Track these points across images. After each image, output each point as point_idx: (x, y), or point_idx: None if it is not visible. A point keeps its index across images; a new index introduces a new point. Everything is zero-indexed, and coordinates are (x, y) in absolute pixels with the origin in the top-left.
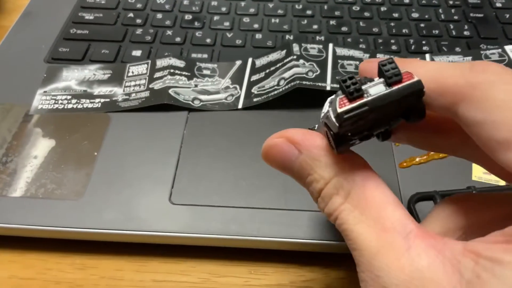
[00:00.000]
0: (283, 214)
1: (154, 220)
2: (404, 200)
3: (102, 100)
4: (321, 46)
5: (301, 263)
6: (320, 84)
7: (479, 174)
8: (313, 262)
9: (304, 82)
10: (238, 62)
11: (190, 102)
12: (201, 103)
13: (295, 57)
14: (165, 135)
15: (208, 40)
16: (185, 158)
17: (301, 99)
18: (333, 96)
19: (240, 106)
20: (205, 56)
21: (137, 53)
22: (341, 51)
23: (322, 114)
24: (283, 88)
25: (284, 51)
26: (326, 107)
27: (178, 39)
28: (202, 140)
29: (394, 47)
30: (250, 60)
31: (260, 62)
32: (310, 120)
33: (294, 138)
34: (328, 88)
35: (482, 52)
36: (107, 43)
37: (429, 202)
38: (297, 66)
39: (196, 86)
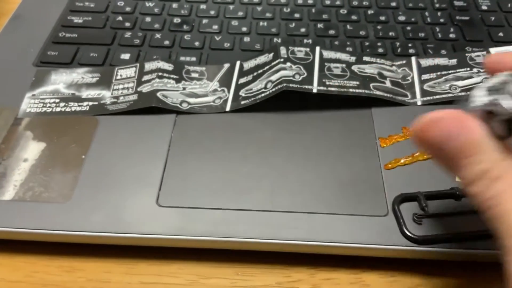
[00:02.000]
0: (270, 216)
1: (142, 223)
2: (389, 200)
3: (91, 103)
4: (308, 49)
5: (287, 264)
6: (306, 86)
7: None
8: (299, 263)
9: (291, 85)
10: (226, 65)
11: (178, 105)
12: (189, 106)
13: (282, 60)
14: (153, 137)
15: (196, 43)
16: (173, 161)
17: (288, 101)
18: (482, 85)
19: (228, 108)
20: (194, 59)
21: (125, 56)
22: (328, 54)
23: (477, 102)
24: (270, 91)
25: (272, 54)
26: (482, 95)
27: (166, 42)
28: (190, 143)
29: (380, 50)
30: (238, 63)
31: (248, 65)
32: (297, 123)
33: (459, 117)
34: (314, 90)
35: (467, 54)
36: (96, 47)
37: (413, 203)
38: (284, 69)
39: (184, 89)
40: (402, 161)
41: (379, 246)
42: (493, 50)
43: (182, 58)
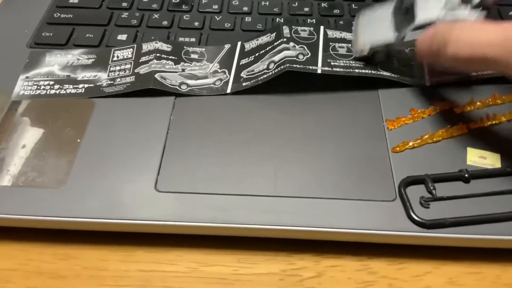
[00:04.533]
0: (273, 201)
1: (139, 208)
2: (397, 185)
3: (86, 85)
4: (312, 29)
5: (291, 251)
6: (310, 67)
7: (474, 158)
8: (304, 249)
9: (294, 65)
10: (227, 46)
11: (177, 87)
12: (189, 88)
13: (285, 39)
14: (151, 120)
15: (196, 24)
16: (172, 144)
17: (292, 83)
18: None
19: (228, 90)
20: (193, 40)
21: (122, 37)
22: (332, 34)
23: None
24: (273, 72)
25: (274, 34)
26: None
27: (165, 23)
28: (190, 126)
29: None
30: (239, 43)
31: (249, 45)
32: (301, 105)
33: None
34: (319, 71)
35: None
36: (92, 27)
37: (421, 186)
38: (287, 49)
39: (183, 70)
40: (410, 143)
41: (386, 232)
42: None
43: (181, 39)
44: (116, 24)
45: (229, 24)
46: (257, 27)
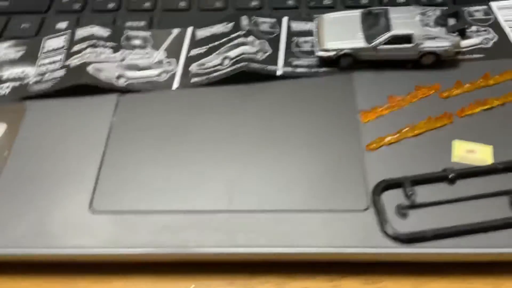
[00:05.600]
0: (227, 218)
1: (71, 234)
2: (370, 189)
3: (11, 84)
4: (274, 20)
5: (251, 274)
6: (270, 67)
7: (461, 153)
8: (265, 271)
9: (252, 65)
10: (176, 31)
11: (113, 81)
12: (128, 81)
13: (244, 32)
14: (90, 125)
15: (146, 5)
16: (112, 153)
17: (250, 74)
18: None
19: (175, 86)
20: (142, 23)
21: (62, 25)
22: (297, 26)
23: None
24: (228, 70)
25: (232, 24)
26: None
27: (111, 5)
28: (133, 130)
29: None
30: (190, 29)
31: (202, 33)
32: (262, 99)
33: None
34: (279, 72)
35: (464, 9)
36: (29, 16)
37: (398, 190)
38: (245, 44)
39: (122, 60)
40: (387, 139)
41: (357, 250)
42: (494, 4)
43: (128, 24)
44: (56, 10)
45: (184, 3)
46: (216, 5)
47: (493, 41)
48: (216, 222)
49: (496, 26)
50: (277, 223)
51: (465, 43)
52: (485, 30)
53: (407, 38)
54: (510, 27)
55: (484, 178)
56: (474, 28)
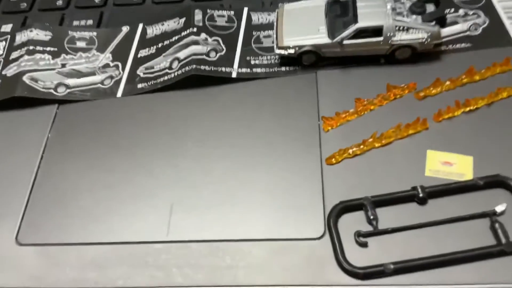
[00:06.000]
0: (164, 250)
1: None
2: (327, 213)
3: None
4: (232, 13)
5: None
6: (223, 69)
7: (436, 165)
8: None
9: (202, 67)
10: (125, 29)
11: (52, 91)
12: (68, 90)
13: (195, 29)
14: (22, 144)
15: (97, 0)
16: (43, 178)
17: (201, 78)
18: None
19: (119, 94)
20: (90, 22)
21: (6, 28)
22: (258, 18)
23: None
24: (176, 74)
25: (183, 20)
26: None
27: (59, 3)
28: (70, 148)
29: None
30: (140, 26)
31: (152, 30)
32: (212, 102)
33: None
34: (234, 74)
35: None
36: None
37: (359, 213)
38: (197, 42)
39: (63, 66)
40: (350, 151)
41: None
42: None
43: (75, 23)
44: (2, 11)
45: None
46: None
47: (483, 26)
48: (149, 255)
49: (487, 8)
50: (218, 256)
51: (446, 31)
52: (474, 14)
53: (376, 31)
54: (504, 9)
55: (461, 197)
56: (461, 11)
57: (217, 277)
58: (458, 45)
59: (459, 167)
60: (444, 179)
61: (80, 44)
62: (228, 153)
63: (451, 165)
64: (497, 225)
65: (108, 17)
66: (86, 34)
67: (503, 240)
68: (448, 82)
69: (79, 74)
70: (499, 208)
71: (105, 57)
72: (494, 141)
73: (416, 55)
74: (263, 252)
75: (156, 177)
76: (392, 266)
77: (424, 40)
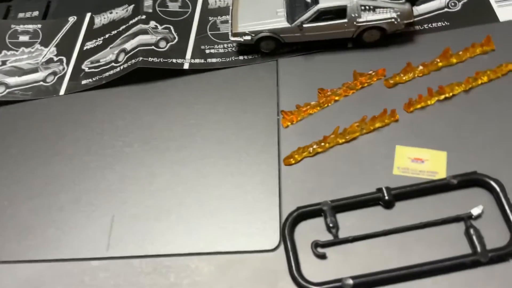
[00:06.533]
0: (102, 267)
1: None
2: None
3: None
4: None
5: None
6: (174, 60)
7: (405, 162)
8: None
9: (150, 59)
10: (72, 19)
11: None
12: (7, 90)
13: (144, 17)
14: None
15: None
16: None
17: (151, 70)
18: None
19: (62, 91)
20: (36, 13)
21: None
22: (215, 0)
23: None
24: (122, 67)
25: (132, 7)
26: None
27: None
28: (4, 152)
29: None
30: (88, 16)
31: (100, 20)
32: (162, 97)
33: None
34: (186, 66)
35: None
36: None
37: (318, 220)
38: (145, 32)
39: (3, 63)
40: (311, 149)
41: None
42: None
43: (20, 15)
44: None
45: None
46: None
47: (463, 1)
48: (86, 274)
49: None
50: (162, 273)
51: (421, 9)
52: None
53: (339, 12)
54: None
55: (433, 198)
56: None
57: None
58: (434, 24)
59: (431, 164)
60: (414, 177)
61: (23, 38)
62: (177, 156)
63: (422, 162)
64: (472, 230)
65: (55, 7)
66: (30, 27)
67: (479, 249)
68: (421, 67)
69: (20, 71)
70: (475, 211)
71: (49, 51)
72: (472, 134)
73: (386, 37)
74: (210, 267)
75: (97, 184)
76: (351, 281)
77: (393, 20)
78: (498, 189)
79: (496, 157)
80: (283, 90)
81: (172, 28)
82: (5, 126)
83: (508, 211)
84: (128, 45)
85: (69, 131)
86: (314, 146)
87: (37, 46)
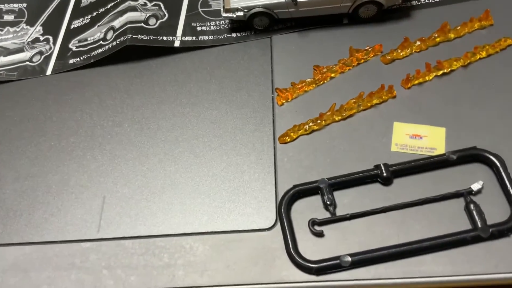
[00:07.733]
0: (93, 249)
1: None
2: (279, 199)
3: None
4: None
5: None
6: (165, 38)
7: (403, 139)
8: None
9: (139, 37)
10: None
11: None
12: None
13: None
14: None
15: None
16: None
17: (141, 48)
18: None
19: (49, 71)
20: None
21: None
22: None
23: None
24: (110, 45)
25: None
26: None
27: None
28: None
29: None
30: None
31: None
32: (152, 76)
33: None
34: (177, 43)
35: None
36: None
37: (314, 198)
38: (134, 9)
39: None
40: (307, 127)
41: (257, 286)
42: None
43: None
44: None
45: None
46: None
47: None
48: (77, 256)
49: None
50: (155, 254)
51: None
52: None
53: None
54: None
55: (432, 175)
56: None
57: (152, 279)
58: None
59: (429, 140)
60: (412, 154)
61: (8, 17)
62: (169, 136)
63: (420, 138)
64: (472, 206)
65: None
66: (15, 5)
67: (479, 224)
68: (418, 42)
69: (5, 51)
70: (475, 186)
71: (35, 31)
72: (471, 110)
73: (383, 12)
74: (205, 247)
75: (87, 165)
76: (349, 259)
77: None
78: (498, 164)
79: (496, 133)
80: (278, 67)
81: (162, 5)
82: None
83: (509, 186)
84: (117, 23)
85: (56, 112)
86: (310, 124)
87: (23, 25)
